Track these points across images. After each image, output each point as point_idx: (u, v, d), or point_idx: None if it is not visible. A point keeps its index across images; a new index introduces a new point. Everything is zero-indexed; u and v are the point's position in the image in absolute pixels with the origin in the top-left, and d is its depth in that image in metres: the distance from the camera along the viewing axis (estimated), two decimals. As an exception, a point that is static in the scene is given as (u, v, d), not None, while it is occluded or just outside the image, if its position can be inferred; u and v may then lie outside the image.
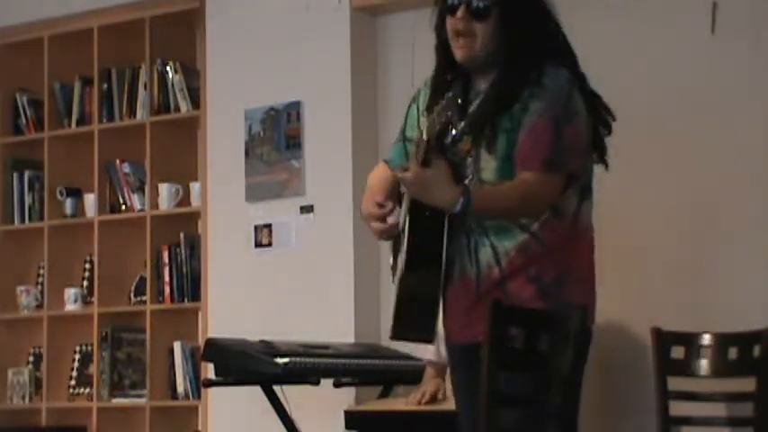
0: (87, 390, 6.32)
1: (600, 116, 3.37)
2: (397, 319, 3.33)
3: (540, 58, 3.30)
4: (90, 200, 6.34)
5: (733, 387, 4.55)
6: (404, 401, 4.53)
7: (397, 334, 3.37)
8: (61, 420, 6.29)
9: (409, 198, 3.30)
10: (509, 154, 3.26)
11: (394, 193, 3.45)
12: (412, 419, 4.36)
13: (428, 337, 3.36)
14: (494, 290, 3.27)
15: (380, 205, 3.40)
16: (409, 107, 3.55)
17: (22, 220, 6.55)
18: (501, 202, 3.26)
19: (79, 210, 6.40)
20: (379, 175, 3.55)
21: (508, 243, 3.27)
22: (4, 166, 6.59)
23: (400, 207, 3.41)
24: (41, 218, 6.47)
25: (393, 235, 3.42)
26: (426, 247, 3.27)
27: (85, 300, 6.37)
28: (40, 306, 6.46)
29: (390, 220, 3.39)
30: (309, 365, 4.74)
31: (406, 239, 3.29)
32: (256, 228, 5.81)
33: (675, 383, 4.61)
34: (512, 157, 3.26)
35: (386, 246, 5.71)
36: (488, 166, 3.28)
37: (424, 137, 3.22)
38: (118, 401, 6.17)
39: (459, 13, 3.30)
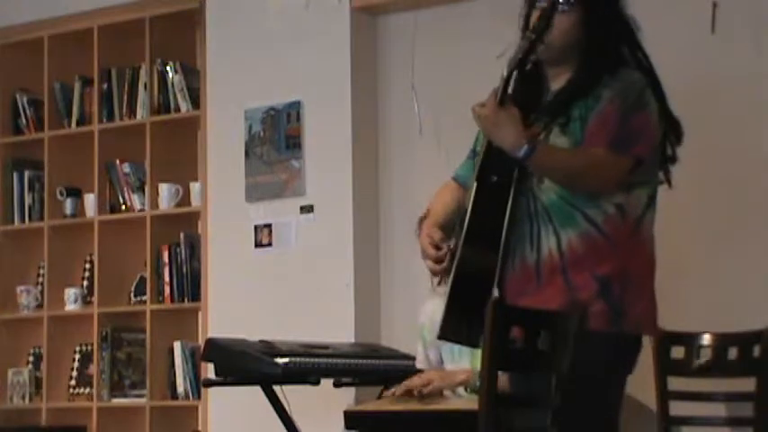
0: (87, 390, 6.32)
1: (671, 123, 3.44)
2: (449, 306, 3.38)
3: (616, 62, 3.40)
4: (90, 200, 6.34)
5: (733, 387, 4.54)
6: (395, 399, 4.53)
7: (446, 327, 3.41)
8: (61, 420, 6.29)
9: (479, 160, 3.38)
10: (580, 140, 3.34)
11: (455, 220, 3.48)
12: (412, 419, 4.35)
13: (475, 337, 3.33)
14: (555, 277, 3.31)
15: (437, 247, 3.44)
16: None
17: (22, 220, 6.55)
18: (566, 160, 3.32)
19: (79, 210, 6.40)
20: (443, 199, 3.61)
21: (572, 231, 3.32)
22: (4, 166, 6.59)
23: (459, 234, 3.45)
24: (41, 218, 6.47)
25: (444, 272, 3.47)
26: (486, 222, 3.33)
27: (85, 300, 6.37)
28: (40, 306, 6.46)
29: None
30: (309, 365, 4.74)
31: (468, 213, 3.35)
32: (256, 228, 5.81)
33: (675, 383, 4.61)
34: (582, 142, 3.35)
35: (385, 246, 5.75)
36: (560, 144, 3.36)
37: (504, 74, 3.32)
38: (118, 401, 6.17)
39: (542, 3, 3.39)
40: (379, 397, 4.99)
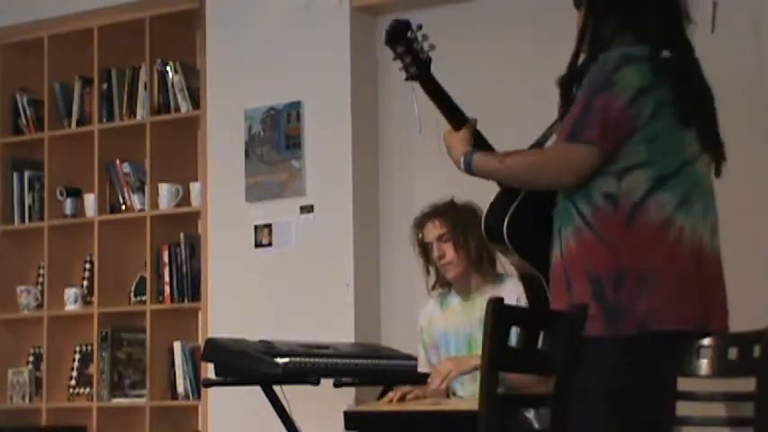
0: (87, 390, 6.32)
1: (684, 89, 3.31)
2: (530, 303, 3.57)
3: (603, 45, 3.34)
4: (90, 200, 6.34)
5: (733, 387, 4.54)
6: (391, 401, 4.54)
7: None
8: (61, 420, 6.29)
9: None
10: None
11: None
12: (412, 419, 4.35)
13: None
14: (561, 280, 3.29)
15: None
16: None
17: (22, 220, 6.55)
18: (508, 164, 3.35)
19: (79, 210, 6.40)
20: None
21: (568, 228, 3.27)
22: (4, 166, 6.59)
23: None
24: (41, 218, 6.47)
25: None
26: (496, 219, 3.49)
27: (85, 300, 6.37)
28: (40, 306, 6.46)
29: None
30: (309, 365, 4.74)
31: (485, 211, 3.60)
32: (256, 228, 5.81)
33: (675, 383, 4.60)
34: None
35: (385, 246, 5.75)
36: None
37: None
38: (118, 401, 6.17)
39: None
40: (380, 397, 5.00)
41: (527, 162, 3.34)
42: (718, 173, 3.43)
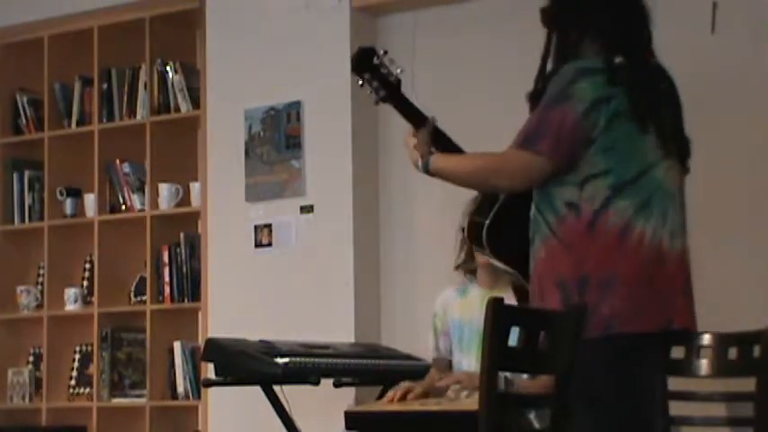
0: (87, 390, 6.32)
1: (639, 96, 3.32)
2: None
3: (572, 54, 3.38)
4: (90, 200, 6.34)
5: (733, 387, 4.54)
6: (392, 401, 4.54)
7: None
8: (61, 420, 6.29)
9: None
10: None
11: None
12: (412, 420, 4.35)
13: None
14: (534, 288, 3.34)
15: None
16: None
17: (22, 220, 6.55)
18: (459, 166, 3.45)
19: (79, 210, 6.40)
20: None
21: (539, 239, 3.31)
22: (4, 166, 6.59)
23: None
24: (41, 218, 6.47)
25: None
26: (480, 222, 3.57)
27: (85, 300, 6.37)
28: (40, 306, 6.46)
29: None
30: (309, 365, 4.74)
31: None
32: (256, 228, 5.81)
33: (675, 383, 4.60)
34: None
35: (385, 246, 5.75)
36: None
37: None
38: (118, 401, 6.18)
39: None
40: (380, 397, 5.00)
41: (481, 165, 3.40)
42: (686, 170, 3.48)
